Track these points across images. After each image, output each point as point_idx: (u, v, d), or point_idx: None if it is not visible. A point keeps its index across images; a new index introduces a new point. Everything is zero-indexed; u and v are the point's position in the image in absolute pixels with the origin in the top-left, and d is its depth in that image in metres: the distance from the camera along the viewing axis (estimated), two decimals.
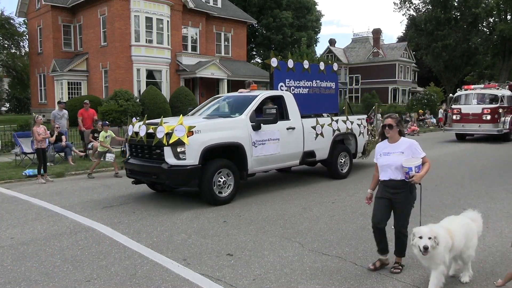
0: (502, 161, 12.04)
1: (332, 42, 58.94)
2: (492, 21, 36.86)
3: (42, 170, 9.48)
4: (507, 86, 19.14)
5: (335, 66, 10.20)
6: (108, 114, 19.70)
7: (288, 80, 8.86)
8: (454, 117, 18.04)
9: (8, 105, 53.46)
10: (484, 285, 3.91)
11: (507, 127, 17.36)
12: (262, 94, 8.02)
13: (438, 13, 35.64)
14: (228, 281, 3.99)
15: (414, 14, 39.63)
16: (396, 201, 4.14)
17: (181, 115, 7.39)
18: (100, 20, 25.81)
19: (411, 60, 55.29)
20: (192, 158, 6.62)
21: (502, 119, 17.28)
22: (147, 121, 7.26)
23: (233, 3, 36.50)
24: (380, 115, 22.10)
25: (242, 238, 5.26)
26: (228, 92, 30.96)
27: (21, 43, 37.73)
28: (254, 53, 46.94)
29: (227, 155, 7.20)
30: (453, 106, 18.39)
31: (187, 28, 29.08)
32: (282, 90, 8.64)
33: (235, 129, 7.21)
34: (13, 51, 37.62)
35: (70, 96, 26.00)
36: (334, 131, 9.18)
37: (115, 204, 7.21)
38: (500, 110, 17.20)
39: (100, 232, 5.59)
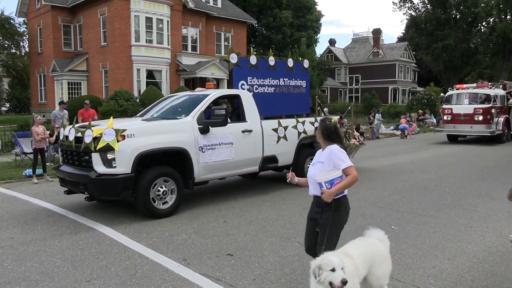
0: (502, 162, 12.03)
1: (332, 42, 58.96)
2: (492, 21, 36.86)
3: (37, 170, 9.54)
4: (501, 85, 18.61)
5: (306, 63, 9.51)
6: (108, 114, 19.68)
7: (251, 78, 8.21)
8: (445, 117, 17.49)
9: (8, 105, 53.44)
10: (484, 285, 3.91)
11: (500, 128, 16.75)
12: (214, 93, 7.29)
13: (437, 13, 35.65)
14: (228, 281, 3.99)
15: (414, 14, 39.65)
16: (320, 221, 3.47)
17: (111, 117, 6.73)
18: (100, 20, 25.81)
19: (411, 60, 55.30)
20: (123, 165, 5.83)
21: (495, 119, 16.68)
22: (76, 124, 6.57)
23: (233, 3, 36.48)
24: (380, 115, 22.10)
25: (242, 238, 5.26)
26: None
27: (21, 43, 37.75)
28: (254, 53, 46.87)
29: (169, 162, 6.50)
30: (444, 106, 17.77)
31: (187, 28, 29.07)
32: (244, 89, 8.00)
33: (178, 132, 6.44)
34: (13, 51, 37.63)
35: (70, 96, 25.99)
36: (299, 133, 8.44)
37: (115, 204, 7.21)
38: (493, 110, 16.58)
39: (100, 232, 5.59)
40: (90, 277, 4.13)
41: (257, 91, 8.28)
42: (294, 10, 42.95)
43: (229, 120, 7.07)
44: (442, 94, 20.89)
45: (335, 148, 3.41)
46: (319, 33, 48.01)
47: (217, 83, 30.23)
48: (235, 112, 7.63)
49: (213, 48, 31.17)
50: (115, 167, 5.84)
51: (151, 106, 8.24)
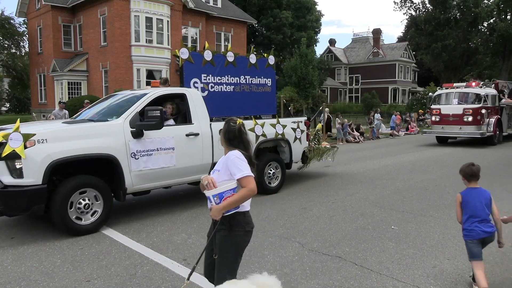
0: (501, 162, 12.04)
1: (332, 42, 58.97)
2: (492, 21, 36.89)
3: None
4: (493, 84, 17.78)
5: (271, 60, 8.76)
6: None
7: (206, 75, 7.49)
8: (433, 118, 16.69)
9: (8, 105, 53.50)
10: None
11: (491, 129, 15.83)
12: (154, 92, 6.48)
13: (437, 13, 35.66)
14: None
15: (414, 13, 39.68)
16: (215, 243, 2.98)
17: (19, 118, 6.00)
18: (100, 20, 25.81)
19: (411, 60, 55.31)
20: (32, 176, 5.04)
21: (486, 120, 15.80)
22: None
23: (233, 3, 36.50)
24: (379, 115, 22.11)
25: None
26: None
27: (21, 43, 37.75)
28: (254, 52, 46.87)
29: (95, 170, 5.76)
30: (433, 107, 16.92)
31: (187, 28, 29.08)
32: (197, 87, 7.32)
33: (105, 136, 5.65)
34: (13, 51, 37.64)
35: (70, 96, 26.00)
36: (257, 137, 7.63)
37: (115, 204, 7.20)
38: (483, 111, 15.67)
39: (100, 232, 5.59)
40: (90, 277, 4.13)
41: (212, 89, 7.59)
42: (294, 10, 42.99)
43: (172, 122, 6.52)
44: (430, 94, 19.73)
45: (232, 154, 2.91)
46: (319, 33, 48.07)
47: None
48: (181, 113, 6.86)
49: (213, 48, 31.17)
50: (23, 177, 5.05)
51: (89, 106, 7.48)
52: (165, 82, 7.64)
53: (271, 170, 7.92)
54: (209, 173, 6.35)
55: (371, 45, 56.07)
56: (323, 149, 9.66)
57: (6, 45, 36.81)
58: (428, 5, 37.96)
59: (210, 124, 6.89)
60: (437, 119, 16.41)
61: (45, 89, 29.56)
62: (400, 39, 60.31)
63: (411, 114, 27.87)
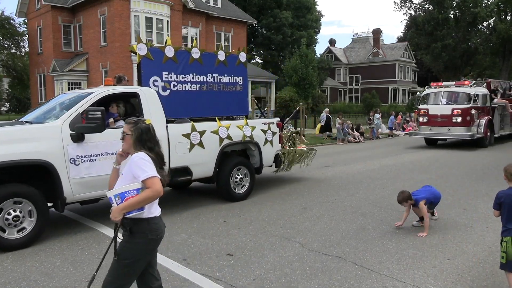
0: (501, 162, 12.04)
1: (332, 42, 59.00)
2: (492, 21, 36.91)
3: None
4: (485, 83, 17.04)
5: (243, 56, 8.09)
6: None
7: (167, 73, 6.89)
8: (421, 119, 15.80)
9: (8, 105, 53.46)
10: (484, 285, 3.91)
11: (482, 131, 14.98)
12: (100, 92, 5.92)
13: (435, 14, 35.67)
14: (228, 281, 3.99)
15: (413, 13, 39.71)
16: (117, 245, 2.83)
17: None
18: (100, 20, 25.82)
19: (411, 60, 55.34)
20: None
21: (476, 121, 14.95)
22: None
23: (233, 3, 36.51)
24: (379, 115, 22.11)
25: (242, 238, 5.26)
26: None
27: (21, 43, 37.80)
28: (254, 53, 46.98)
29: (28, 177, 5.25)
30: (420, 107, 16.06)
31: (187, 28, 29.08)
32: (157, 86, 6.78)
33: (40, 140, 5.12)
34: (13, 51, 37.68)
35: None
36: (222, 139, 7.07)
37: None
38: (473, 111, 14.81)
39: (100, 232, 5.59)
40: (90, 277, 4.13)
41: (175, 89, 7.00)
42: (294, 10, 43.03)
43: (121, 124, 5.87)
44: (418, 93, 18.77)
45: (136, 156, 2.78)
46: (319, 33, 48.11)
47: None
48: (134, 114, 6.29)
49: (213, 48, 31.09)
50: None
51: (36, 107, 6.91)
52: (119, 80, 7.05)
53: (238, 176, 7.36)
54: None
55: (371, 45, 56.09)
56: (300, 152, 9.09)
57: (6, 45, 36.86)
58: (427, 5, 37.98)
59: (167, 126, 6.35)
60: (425, 120, 15.60)
61: (45, 89, 29.56)
62: (400, 39, 60.33)
63: (411, 114, 27.85)
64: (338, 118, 19.21)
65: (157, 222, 2.87)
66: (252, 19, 35.59)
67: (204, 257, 4.63)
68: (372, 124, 21.19)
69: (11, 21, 35.40)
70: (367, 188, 8.25)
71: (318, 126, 20.97)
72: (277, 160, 8.40)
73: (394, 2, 40.41)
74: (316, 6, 47.76)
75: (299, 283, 3.96)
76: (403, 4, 39.53)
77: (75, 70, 26.77)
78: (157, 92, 6.60)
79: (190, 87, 7.24)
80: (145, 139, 2.89)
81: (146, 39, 25.14)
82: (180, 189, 8.46)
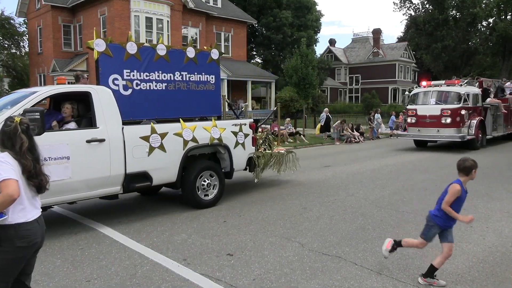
0: (501, 162, 12.04)
1: (332, 42, 59.02)
2: (492, 21, 36.95)
3: None
4: (477, 83, 16.30)
5: (215, 54, 7.61)
6: None
7: (129, 71, 6.42)
8: (409, 119, 15.03)
9: None
10: (484, 285, 3.91)
11: (473, 132, 14.19)
12: (45, 91, 5.52)
13: (435, 14, 35.70)
14: (228, 281, 3.99)
15: (413, 13, 39.74)
16: None
17: None
18: (100, 20, 25.84)
19: (411, 60, 55.36)
20: None
21: (467, 122, 14.24)
22: None
23: (233, 3, 36.52)
24: (379, 115, 22.11)
25: (242, 238, 5.26)
26: (228, 92, 31.00)
27: (21, 43, 37.82)
28: (254, 53, 46.99)
29: None
30: (409, 107, 15.30)
31: (187, 28, 29.09)
32: (117, 85, 6.33)
33: None
34: (13, 51, 37.71)
35: None
36: (186, 142, 6.54)
37: (115, 204, 7.21)
38: (463, 112, 14.06)
39: (100, 232, 5.59)
40: (90, 277, 4.13)
41: (138, 87, 6.53)
42: (294, 9, 43.05)
43: (73, 126, 5.61)
44: (407, 93, 17.97)
45: None
46: (319, 32, 48.13)
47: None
48: (86, 115, 5.89)
49: None
50: None
51: None
52: (77, 78, 6.64)
53: (205, 181, 6.87)
54: (122, 186, 5.81)
55: (371, 45, 56.11)
56: (277, 155, 8.51)
57: (6, 45, 36.89)
58: (427, 6, 38.01)
59: (123, 128, 5.88)
60: (413, 121, 14.83)
61: None
62: (400, 39, 60.35)
63: None
64: (339, 121, 19.15)
65: (30, 228, 2.67)
66: (252, 19, 35.61)
67: (204, 257, 4.63)
68: (372, 124, 21.19)
69: (11, 21, 35.45)
70: (367, 188, 8.26)
71: (318, 126, 20.98)
72: (251, 163, 7.84)
73: (393, 2, 40.49)
74: (316, 6, 47.78)
75: (299, 283, 3.96)
76: (402, 5, 39.56)
77: (75, 70, 26.70)
78: (118, 91, 6.24)
79: (156, 86, 6.77)
80: (4, 139, 2.68)
81: (146, 39, 25.21)
82: (148, 194, 7.88)
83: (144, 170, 6.07)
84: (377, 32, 55.58)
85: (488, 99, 15.87)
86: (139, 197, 7.78)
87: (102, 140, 5.61)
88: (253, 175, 8.20)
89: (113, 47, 6.27)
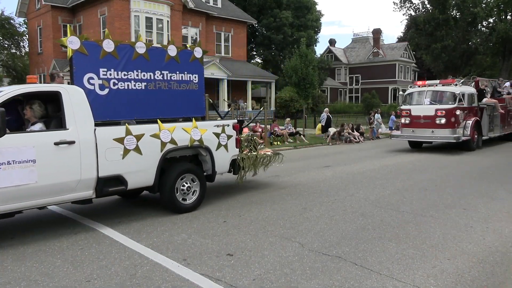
0: (502, 162, 12.04)
1: (332, 42, 59.06)
2: (492, 21, 36.96)
3: None
4: (473, 82, 15.95)
5: (198, 52, 7.37)
6: None
7: (105, 70, 6.19)
8: (403, 120, 14.68)
9: None
10: (484, 285, 3.91)
11: (468, 133, 13.84)
12: (11, 90, 5.25)
13: (436, 14, 35.71)
14: (228, 281, 3.99)
15: (413, 13, 39.76)
16: None
17: None
18: (100, 20, 25.84)
19: (411, 60, 55.39)
20: None
21: (462, 123, 13.92)
22: None
23: (233, 3, 36.53)
24: (379, 115, 22.12)
25: (242, 238, 5.26)
26: (228, 92, 31.02)
27: (21, 43, 37.82)
28: (254, 53, 47.01)
29: None
30: (403, 107, 14.95)
31: (187, 28, 29.09)
32: (93, 84, 6.09)
33: None
34: (13, 51, 37.73)
35: None
36: (164, 144, 6.20)
37: (115, 204, 7.21)
38: (458, 112, 13.75)
39: (100, 232, 5.59)
40: (90, 277, 4.13)
41: (116, 87, 6.30)
42: (294, 10, 43.08)
43: (40, 127, 5.34)
44: (401, 93, 17.68)
45: None
46: (319, 32, 48.16)
47: (217, 83, 30.21)
48: (56, 116, 5.58)
49: (213, 48, 31.18)
50: None
51: None
52: (52, 77, 6.35)
53: (184, 184, 6.52)
54: (95, 190, 5.56)
55: (371, 45, 56.15)
56: (263, 156, 8.23)
57: (6, 45, 36.92)
58: (427, 6, 38.02)
59: (95, 130, 5.57)
60: (407, 122, 14.48)
61: None
62: (400, 39, 60.38)
63: None
64: (342, 126, 19.13)
65: None
66: (252, 19, 35.63)
67: (204, 257, 4.63)
68: (373, 124, 21.20)
69: (11, 21, 35.49)
70: (367, 188, 8.26)
71: (319, 126, 20.97)
72: (235, 166, 7.52)
73: (393, 2, 40.53)
74: (316, 6, 47.82)
75: (299, 283, 3.96)
76: (402, 5, 39.58)
77: None
78: (93, 91, 6.03)
79: (135, 85, 6.51)
80: None
81: (147, 39, 25.20)
82: (129, 198, 7.60)
83: (118, 173, 5.75)
84: (377, 32, 55.61)
85: (485, 99, 15.58)
86: (140, 197, 7.78)
87: (71, 142, 5.30)
88: (237, 178, 7.89)
89: (88, 45, 6.05)
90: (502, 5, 35.32)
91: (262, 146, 9.11)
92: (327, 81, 50.76)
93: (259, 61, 48.13)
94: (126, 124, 5.98)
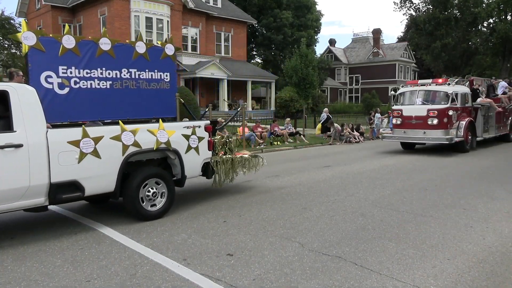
0: (502, 162, 12.05)
1: (332, 42, 59.08)
2: (492, 21, 36.97)
3: None
4: (467, 82, 15.48)
5: (170, 49, 7.05)
6: None
7: (65, 68, 5.84)
8: (395, 120, 14.17)
9: None
10: (484, 285, 3.91)
11: (461, 134, 13.35)
12: None
13: (436, 13, 35.71)
14: (228, 281, 3.99)
15: (414, 13, 39.77)
16: None
17: None
18: (100, 20, 25.85)
19: (411, 60, 55.41)
20: None
21: (455, 123, 13.45)
22: None
23: (233, 3, 36.54)
24: (379, 114, 22.12)
25: (242, 238, 5.26)
26: (228, 92, 31.01)
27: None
28: (254, 53, 47.01)
29: None
30: (394, 107, 14.49)
31: (187, 28, 29.09)
32: (51, 83, 5.75)
33: None
34: (13, 51, 37.70)
35: None
36: (126, 147, 5.72)
37: (115, 204, 7.21)
38: (451, 112, 13.27)
39: (100, 232, 5.59)
40: (90, 277, 4.13)
41: (77, 86, 5.97)
42: (294, 10, 43.10)
43: None
44: (392, 92, 17.00)
45: None
46: (319, 32, 48.19)
47: (217, 83, 30.22)
48: (3, 117, 5.15)
49: (213, 48, 31.20)
50: None
51: None
52: (11, 76, 6.11)
53: (150, 190, 6.08)
54: (48, 197, 5.17)
55: (371, 45, 56.16)
56: (239, 160, 7.78)
57: (6, 45, 36.87)
58: (428, 5, 38.03)
59: (47, 132, 5.13)
60: (399, 122, 13.97)
61: None
62: (400, 39, 60.39)
63: None
64: (342, 126, 19.13)
65: None
66: (252, 19, 35.63)
67: (204, 257, 4.63)
68: (373, 124, 21.19)
69: (11, 21, 35.44)
70: (367, 188, 8.26)
71: (319, 126, 20.97)
72: (208, 170, 7.07)
73: (393, 2, 40.56)
74: (316, 6, 47.82)
75: (299, 283, 3.96)
76: (402, 4, 39.59)
77: None
78: (52, 90, 5.72)
79: (99, 84, 6.18)
80: None
81: (147, 39, 25.20)
82: (96, 203, 7.18)
83: (74, 179, 5.29)
84: (377, 32, 55.64)
85: (479, 99, 15.13)
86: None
87: (19, 146, 4.86)
88: (212, 183, 7.60)
89: (45, 41, 5.68)
90: (502, 5, 35.33)
91: (237, 150, 8.69)
92: (327, 81, 50.77)
93: (259, 61, 48.15)
94: (83, 125, 5.56)
